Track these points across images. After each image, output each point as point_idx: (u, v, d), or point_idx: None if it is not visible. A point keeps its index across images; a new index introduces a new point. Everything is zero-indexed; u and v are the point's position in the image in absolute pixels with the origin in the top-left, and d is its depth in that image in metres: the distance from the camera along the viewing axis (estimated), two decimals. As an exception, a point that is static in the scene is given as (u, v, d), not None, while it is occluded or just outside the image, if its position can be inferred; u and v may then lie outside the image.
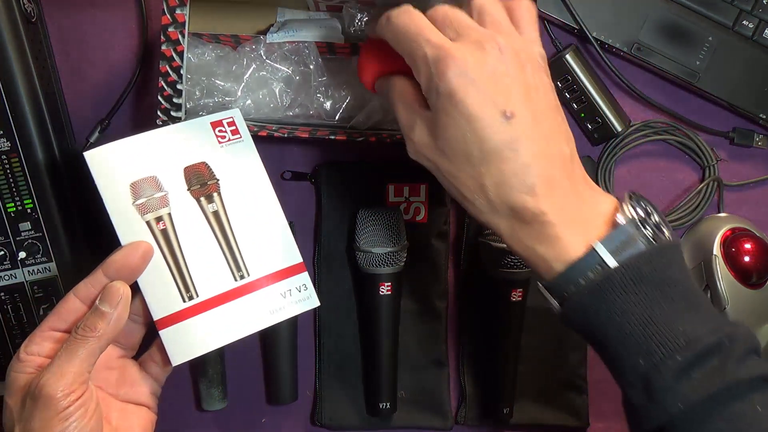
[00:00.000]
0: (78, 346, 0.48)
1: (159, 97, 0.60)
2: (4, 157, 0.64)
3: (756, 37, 0.71)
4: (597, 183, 0.73)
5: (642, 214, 0.46)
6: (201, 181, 0.54)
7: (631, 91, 0.71)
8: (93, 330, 0.48)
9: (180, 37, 0.59)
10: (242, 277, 0.53)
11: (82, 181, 0.70)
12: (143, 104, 0.72)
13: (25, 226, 0.66)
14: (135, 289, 0.52)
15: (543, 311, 0.74)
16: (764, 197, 0.75)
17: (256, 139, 0.64)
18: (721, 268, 0.71)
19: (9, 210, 0.65)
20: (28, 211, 0.65)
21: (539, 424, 0.76)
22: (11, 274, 0.66)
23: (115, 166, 0.52)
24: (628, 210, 0.46)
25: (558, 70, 0.71)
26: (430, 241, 0.73)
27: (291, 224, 0.72)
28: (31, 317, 0.67)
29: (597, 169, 0.73)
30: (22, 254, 0.66)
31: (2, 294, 0.66)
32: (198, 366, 0.73)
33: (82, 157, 0.52)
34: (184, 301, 0.52)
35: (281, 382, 0.74)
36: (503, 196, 0.47)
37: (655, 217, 0.47)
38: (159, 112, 0.61)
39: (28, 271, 0.66)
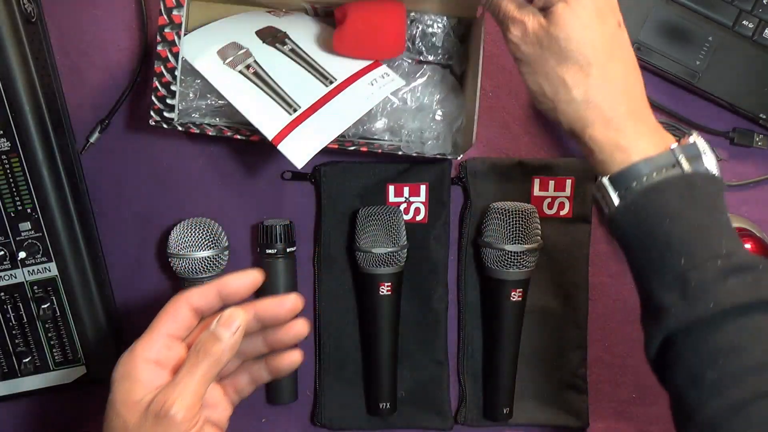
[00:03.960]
0: (197, 369, 0.48)
1: (153, 97, 0.60)
2: (4, 157, 0.64)
3: (756, 37, 0.70)
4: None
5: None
6: (272, 35, 0.65)
7: (631, 91, 0.71)
8: (211, 354, 0.48)
9: (176, 38, 0.59)
10: (331, 82, 0.63)
11: (82, 181, 0.71)
12: (143, 104, 0.72)
13: (25, 226, 0.66)
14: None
15: (543, 312, 0.74)
16: (764, 197, 0.75)
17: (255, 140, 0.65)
18: (721, 269, 0.71)
19: (9, 210, 0.65)
20: (28, 211, 0.65)
21: (539, 424, 0.76)
22: (11, 274, 0.66)
23: (202, 45, 0.63)
24: (696, 139, 0.51)
25: (558, 70, 0.71)
26: (430, 241, 0.73)
27: (291, 224, 0.72)
28: (31, 317, 0.67)
29: (597, 169, 0.73)
30: (22, 254, 0.66)
31: (2, 294, 0.67)
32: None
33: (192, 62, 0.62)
34: (290, 114, 0.61)
35: (281, 382, 0.73)
36: (603, 95, 0.51)
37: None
38: (152, 112, 0.61)
39: (28, 271, 0.66)
